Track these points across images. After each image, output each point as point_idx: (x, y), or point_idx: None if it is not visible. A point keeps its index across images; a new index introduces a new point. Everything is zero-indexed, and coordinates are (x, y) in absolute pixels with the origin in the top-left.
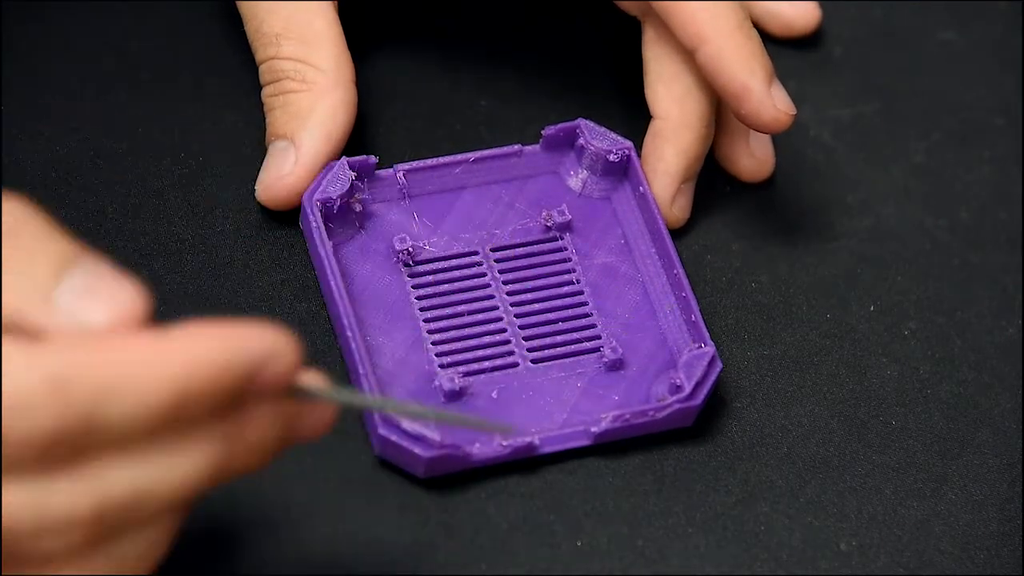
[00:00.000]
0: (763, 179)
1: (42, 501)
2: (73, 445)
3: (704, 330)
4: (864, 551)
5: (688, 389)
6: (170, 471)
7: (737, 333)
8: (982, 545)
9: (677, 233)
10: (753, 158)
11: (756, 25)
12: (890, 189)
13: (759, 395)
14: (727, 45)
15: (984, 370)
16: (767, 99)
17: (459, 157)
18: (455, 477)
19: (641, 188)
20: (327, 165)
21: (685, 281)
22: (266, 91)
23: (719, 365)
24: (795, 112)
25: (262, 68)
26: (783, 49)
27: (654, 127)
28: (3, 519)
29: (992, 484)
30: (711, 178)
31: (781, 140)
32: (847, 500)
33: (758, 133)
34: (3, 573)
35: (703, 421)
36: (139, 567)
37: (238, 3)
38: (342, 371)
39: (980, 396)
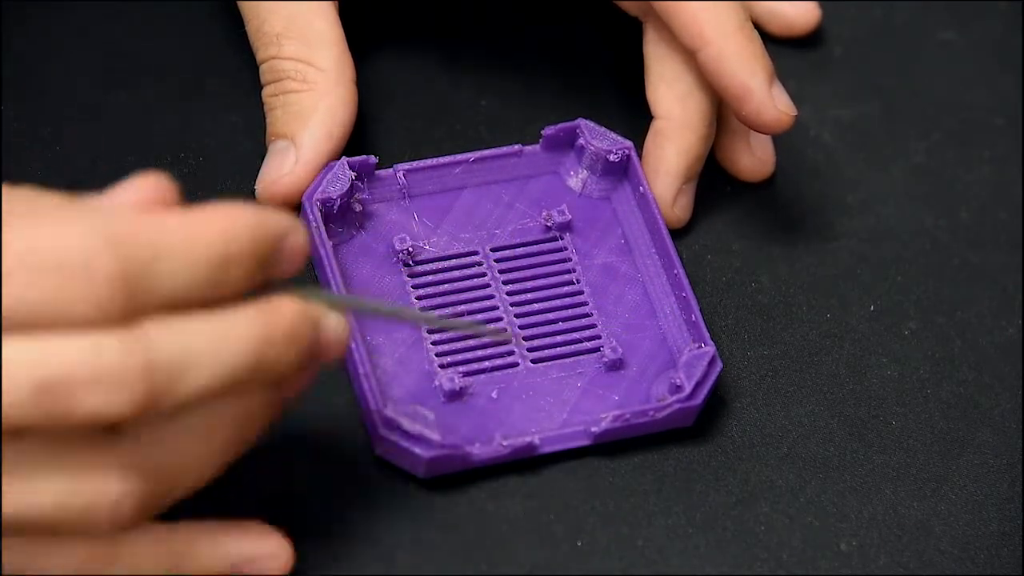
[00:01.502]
0: (763, 179)
1: (96, 355)
2: (126, 304)
3: (704, 330)
4: (864, 551)
5: (688, 389)
6: (213, 341)
7: (737, 333)
8: (982, 545)
9: (677, 233)
10: (754, 157)
11: (756, 25)
12: (890, 189)
13: (759, 395)
14: (728, 46)
15: (984, 370)
16: (768, 100)
17: (459, 157)
18: (455, 477)
19: (641, 188)
20: (327, 165)
21: (685, 281)
22: (267, 91)
23: (719, 365)
24: (796, 113)
25: (263, 68)
26: (783, 49)
27: (656, 127)
28: (61, 369)
29: (992, 484)
30: (711, 178)
31: (781, 140)
32: (847, 500)
33: (759, 133)
34: (52, 432)
35: (703, 421)
36: (194, 457)
37: (239, 3)
38: (342, 370)
39: (980, 396)
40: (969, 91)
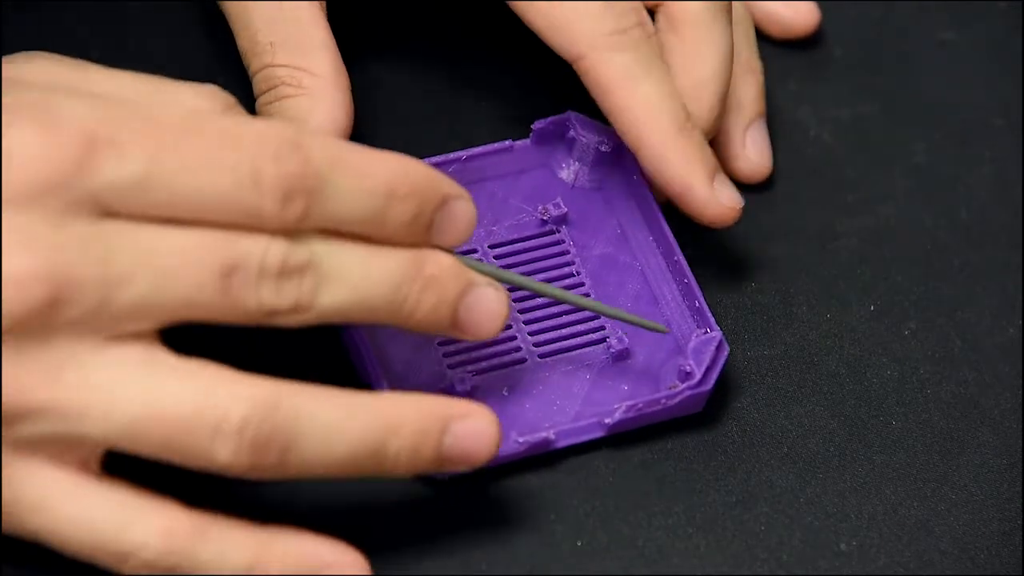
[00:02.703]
0: (760, 181)
1: (270, 250)
2: (301, 208)
3: (709, 315)
4: (864, 551)
5: (699, 375)
6: (364, 264)
7: (737, 333)
8: (982, 545)
9: (677, 232)
10: (749, 162)
11: (756, 27)
12: (890, 189)
13: (759, 395)
14: (668, 148)
15: (984, 370)
16: (711, 197)
17: (451, 156)
18: (455, 477)
19: (635, 176)
20: None
21: (686, 267)
22: (261, 100)
23: (727, 349)
24: (741, 205)
25: (256, 78)
26: (783, 49)
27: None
28: (244, 258)
29: (992, 484)
30: None
31: (781, 140)
32: (847, 500)
33: (754, 137)
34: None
35: (703, 421)
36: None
37: (229, 14)
38: (355, 375)
39: (980, 396)
40: (969, 91)
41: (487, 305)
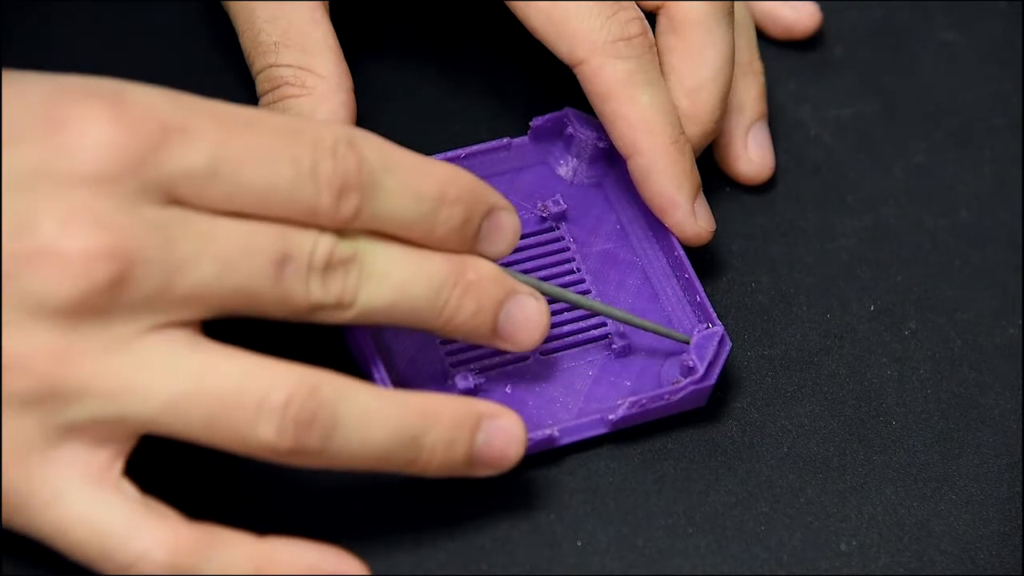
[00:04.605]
0: (762, 181)
1: (321, 243)
2: (354, 200)
3: (711, 310)
4: (864, 551)
5: (701, 370)
6: (407, 264)
7: (737, 333)
8: (982, 545)
9: None
10: (751, 163)
11: (757, 28)
12: (890, 189)
13: (759, 395)
14: (659, 161)
15: (984, 370)
16: (690, 216)
17: (449, 154)
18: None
19: None
20: None
21: (687, 262)
22: (264, 100)
23: (729, 344)
24: (714, 228)
25: (260, 77)
26: (783, 49)
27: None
28: (296, 249)
29: (992, 484)
30: (711, 178)
31: (781, 140)
32: (847, 500)
33: (756, 137)
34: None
35: (703, 421)
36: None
37: (233, 14)
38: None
39: (980, 396)
40: (969, 91)
41: (527, 314)
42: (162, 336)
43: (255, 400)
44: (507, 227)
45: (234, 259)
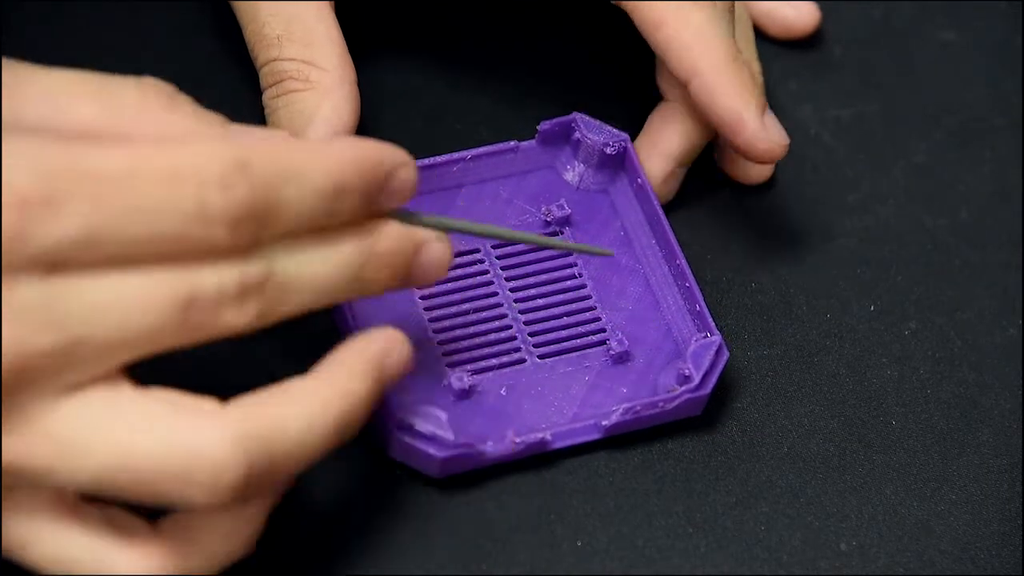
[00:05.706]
0: (762, 182)
1: (226, 275)
2: (252, 227)
3: (709, 319)
4: (864, 551)
5: (697, 379)
6: (322, 262)
7: (737, 333)
8: (982, 545)
9: (678, 232)
10: (768, 140)
11: (757, 27)
12: (890, 189)
13: (759, 395)
14: (721, 77)
15: (984, 370)
16: (761, 131)
17: (456, 155)
18: (454, 477)
19: (639, 180)
20: None
21: (688, 271)
22: (268, 93)
23: (726, 354)
24: (788, 142)
25: (263, 71)
26: (783, 49)
27: (663, 109)
28: (200, 288)
29: (992, 484)
30: (711, 178)
31: None
32: (847, 500)
33: (770, 118)
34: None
35: (703, 421)
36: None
37: (237, 7)
38: None
39: (980, 396)
40: (969, 91)
41: (433, 257)
42: (78, 399)
43: (183, 471)
44: (406, 183)
45: (132, 315)
